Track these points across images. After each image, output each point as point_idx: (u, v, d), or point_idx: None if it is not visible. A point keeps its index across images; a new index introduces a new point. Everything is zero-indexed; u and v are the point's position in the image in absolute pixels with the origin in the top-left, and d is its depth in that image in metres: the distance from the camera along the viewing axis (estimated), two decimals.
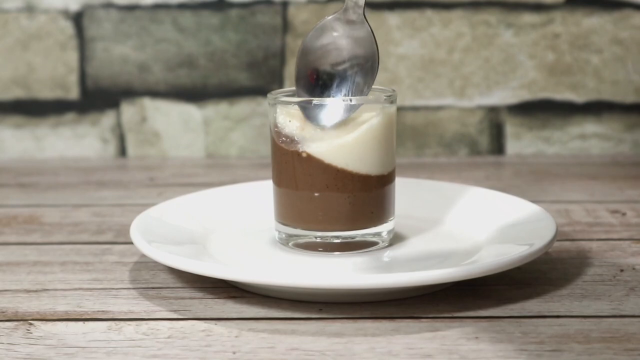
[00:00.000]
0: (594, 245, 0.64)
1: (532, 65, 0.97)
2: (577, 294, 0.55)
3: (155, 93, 0.99)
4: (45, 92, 0.99)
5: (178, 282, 0.58)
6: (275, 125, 0.59)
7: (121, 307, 0.54)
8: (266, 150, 0.97)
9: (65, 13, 0.98)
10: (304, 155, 0.58)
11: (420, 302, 0.53)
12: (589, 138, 0.98)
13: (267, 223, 0.64)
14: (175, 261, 0.54)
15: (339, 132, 0.58)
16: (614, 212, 0.73)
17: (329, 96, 0.59)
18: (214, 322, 0.51)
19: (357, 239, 0.59)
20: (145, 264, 0.61)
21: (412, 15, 0.97)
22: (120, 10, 0.97)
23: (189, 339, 0.49)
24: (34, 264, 0.62)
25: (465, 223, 0.64)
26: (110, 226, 0.71)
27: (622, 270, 0.59)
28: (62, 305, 0.54)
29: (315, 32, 0.59)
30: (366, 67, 0.59)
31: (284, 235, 0.61)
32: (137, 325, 0.51)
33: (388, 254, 0.59)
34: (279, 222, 0.61)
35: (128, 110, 0.99)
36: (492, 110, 0.98)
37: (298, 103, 0.58)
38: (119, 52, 0.98)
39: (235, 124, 0.99)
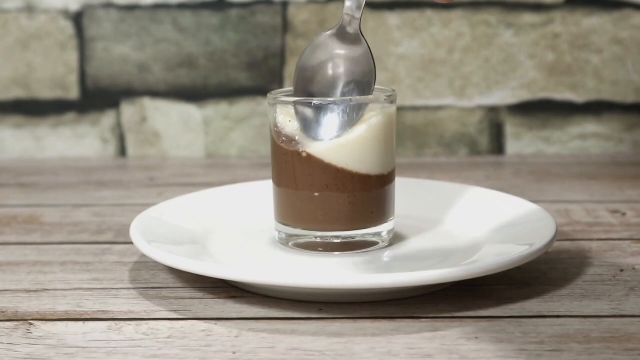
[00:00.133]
0: (594, 245, 0.64)
1: (532, 65, 0.97)
2: (577, 294, 0.55)
3: (155, 93, 0.99)
4: (45, 92, 0.99)
5: (178, 282, 0.58)
6: (275, 125, 0.59)
7: (121, 307, 0.54)
8: (266, 150, 0.97)
9: (65, 13, 0.98)
10: (304, 155, 0.58)
11: (420, 302, 0.53)
12: (589, 138, 0.98)
13: (267, 223, 0.64)
14: (175, 261, 0.54)
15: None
16: (614, 212, 0.73)
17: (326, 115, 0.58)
18: (214, 322, 0.51)
19: (357, 239, 0.59)
20: (145, 264, 0.61)
21: (412, 15, 0.97)
22: (120, 10, 0.97)
23: (189, 339, 0.49)
24: (34, 264, 0.62)
25: (465, 223, 0.64)
26: (110, 226, 0.71)
27: (622, 270, 0.59)
28: (62, 305, 0.54)
29: (311, 49, 0.59)
30: (363, 83, 0.59)
31: (284, 235, 0.61)
32: (137, 325, 0.51)
33: (388, 254, 0.59)
34: (279, 222, 0.61)
35: (128, 110, 0.99)
36: (492, 110, 0.98)
37: (297, 105, 0.58)
38: (119, 52, 0.98)
39: (235, 124, 0.99)
